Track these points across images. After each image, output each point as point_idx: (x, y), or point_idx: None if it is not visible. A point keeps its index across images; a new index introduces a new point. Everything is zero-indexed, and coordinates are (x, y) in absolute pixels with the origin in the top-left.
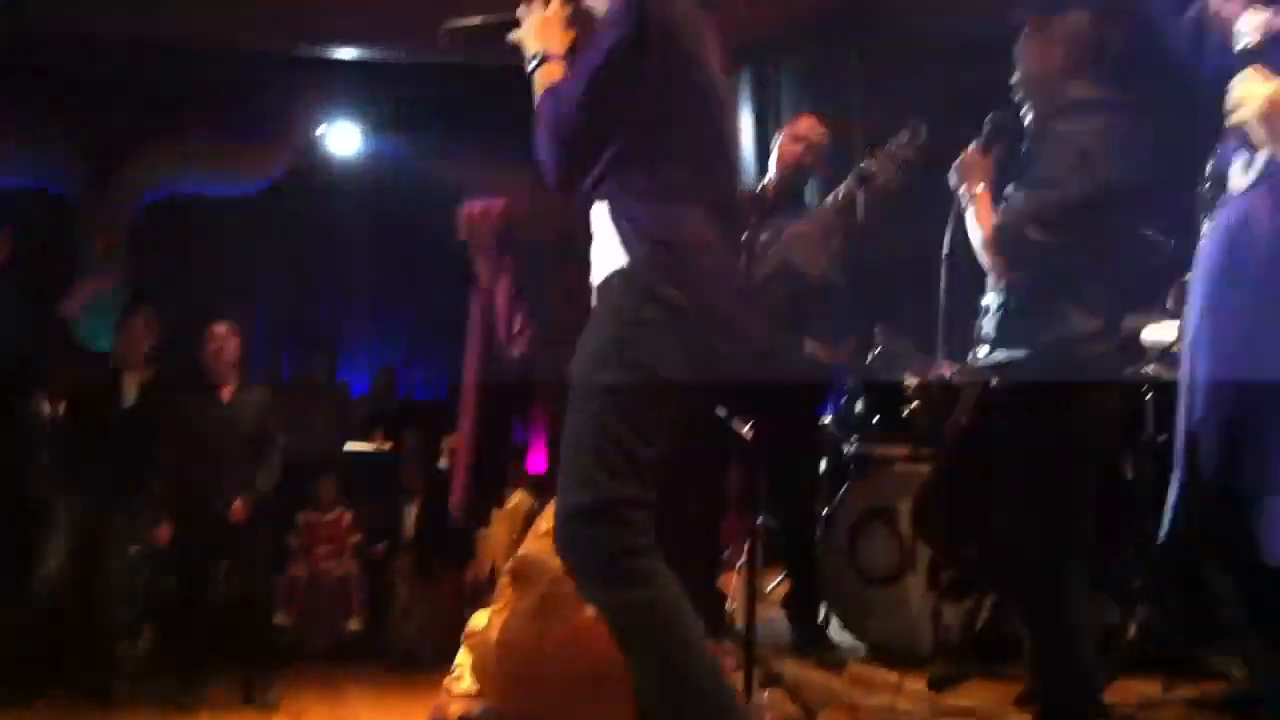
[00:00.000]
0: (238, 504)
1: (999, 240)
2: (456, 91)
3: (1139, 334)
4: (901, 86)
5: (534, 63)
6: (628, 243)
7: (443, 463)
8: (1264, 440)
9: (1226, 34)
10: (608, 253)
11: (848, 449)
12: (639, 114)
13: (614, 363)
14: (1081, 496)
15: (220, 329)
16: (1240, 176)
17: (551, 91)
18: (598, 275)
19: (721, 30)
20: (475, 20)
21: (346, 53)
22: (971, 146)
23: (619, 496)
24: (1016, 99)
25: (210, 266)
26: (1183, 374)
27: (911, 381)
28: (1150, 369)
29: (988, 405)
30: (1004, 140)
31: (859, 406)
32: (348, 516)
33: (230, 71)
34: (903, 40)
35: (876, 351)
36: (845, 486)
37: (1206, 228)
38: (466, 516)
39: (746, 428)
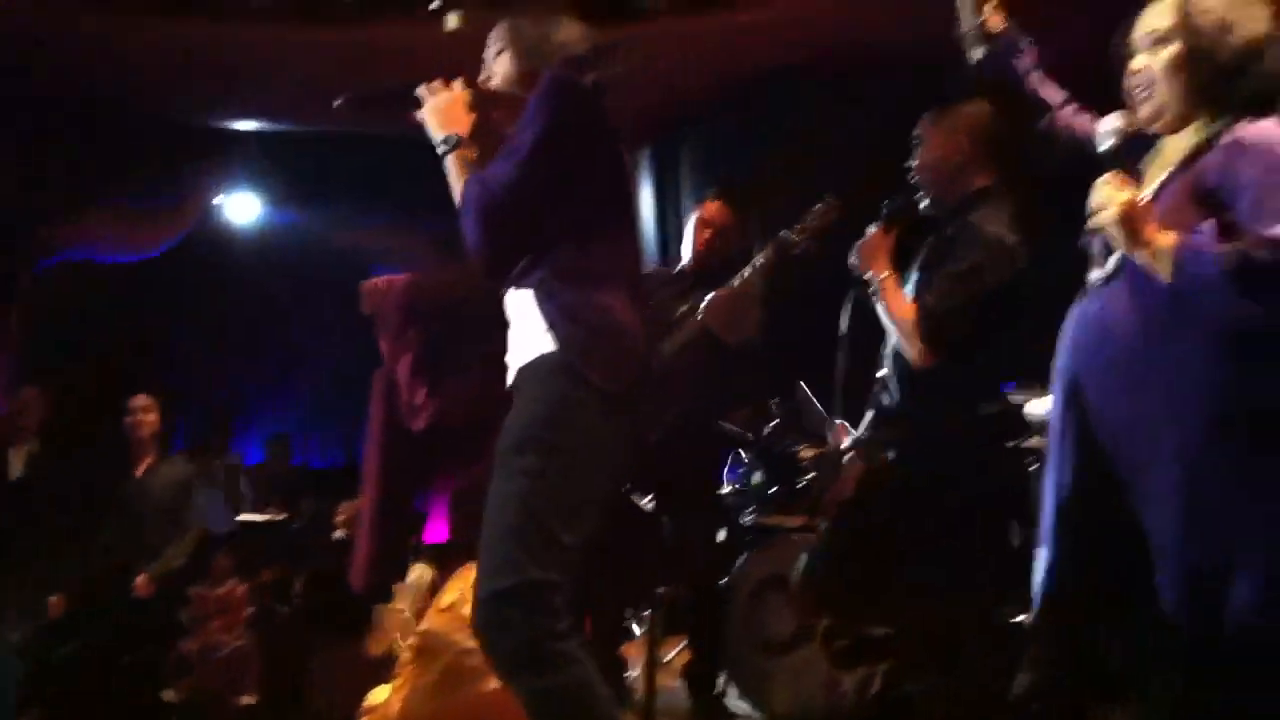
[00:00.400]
0: (141, 579)
1: (924, 328)
2: (356, 163)
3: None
4: (804, 160)
5: (445, 146)
6: (555, 327)
7: (338, 533)
8: (1127, 517)
9: (1077, 141)
10: (533, 336)
11: (746, 518)
12: (565, 200)
13: (540, 446)
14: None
15: (139, 401)
16: (1098, 271)
17: (479, 179)
18: (521, 358)
19: (624, 107)
20: (374, 91)
21: (247, 124)
22: (872, 229)
23: (540, 579)
24: (915, 183)
25: (105, 333)
26: (1047, 456)
27: (808, 453)
28: (1035, 441)
29: (879, 477)
30: (903, 223)
31: (757, 477)
32: (241, 589)
33: (130, 138)
34: (804, 115)
35: (775, 422)
36: (744, 556)
37: (1068, 315)
38: (368, 590)
39: (647, 499)
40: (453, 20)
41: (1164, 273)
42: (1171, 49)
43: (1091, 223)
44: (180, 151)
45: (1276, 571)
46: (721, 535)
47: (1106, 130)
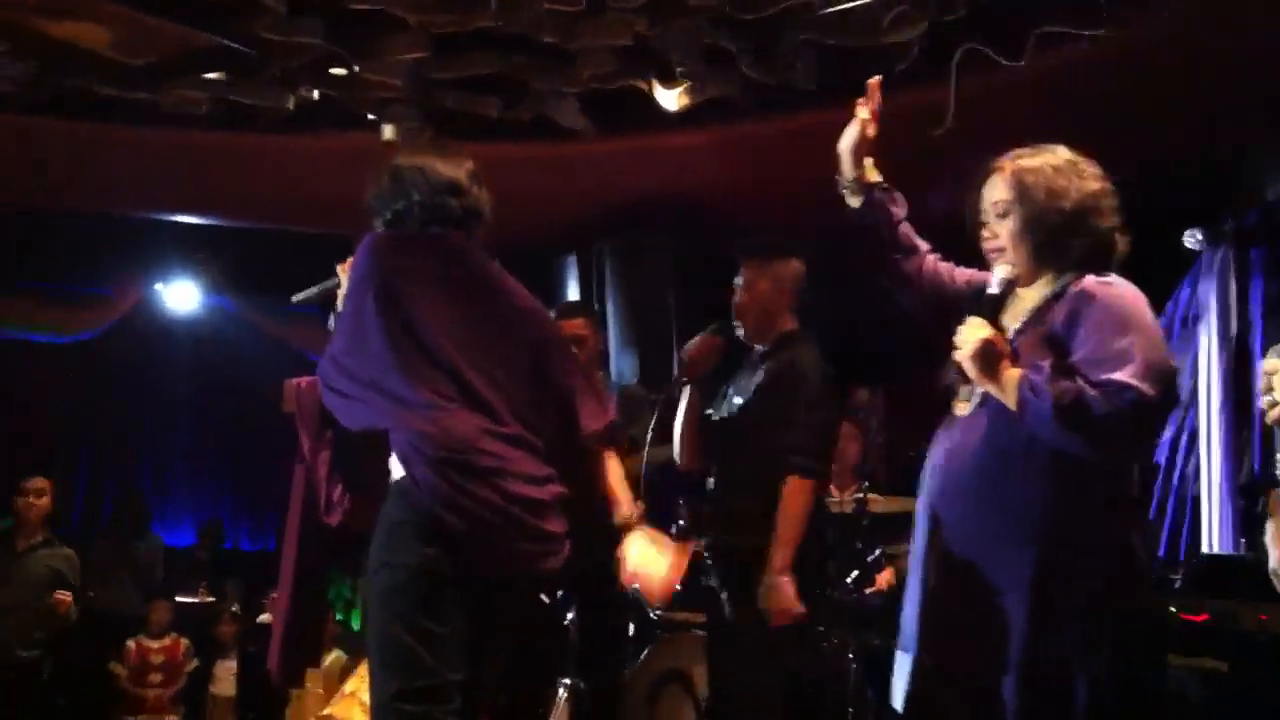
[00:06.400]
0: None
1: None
2: (292, 257)
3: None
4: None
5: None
6: (402, 458)
7: (264, 617)
8: (977, 629)
9: (940, 284)
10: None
11: (653, 613)
12: (391, 349)
13: (384, 566)
14: None
15: (35, 483)
16: (962, 403)
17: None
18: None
19: (545, 217)
20: (315, 289)
21: (187, 217)
22: (701, 336)
23: (412, 687)
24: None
25: (36, 412)
26: (912, 569)
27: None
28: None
29: None
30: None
31: None
32: (183, 643)
33: (66, 227)
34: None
35: (680, 523)
36: (645, 650)
37: (933, 440)
38: (282, 677)
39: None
40: (388, 132)
41: (1010, 403)
42: (1012, 220)
43: (954, 356)
44: (117, 240)
45: (1110, 678)
46: (631, 630)
47: (998, 279)
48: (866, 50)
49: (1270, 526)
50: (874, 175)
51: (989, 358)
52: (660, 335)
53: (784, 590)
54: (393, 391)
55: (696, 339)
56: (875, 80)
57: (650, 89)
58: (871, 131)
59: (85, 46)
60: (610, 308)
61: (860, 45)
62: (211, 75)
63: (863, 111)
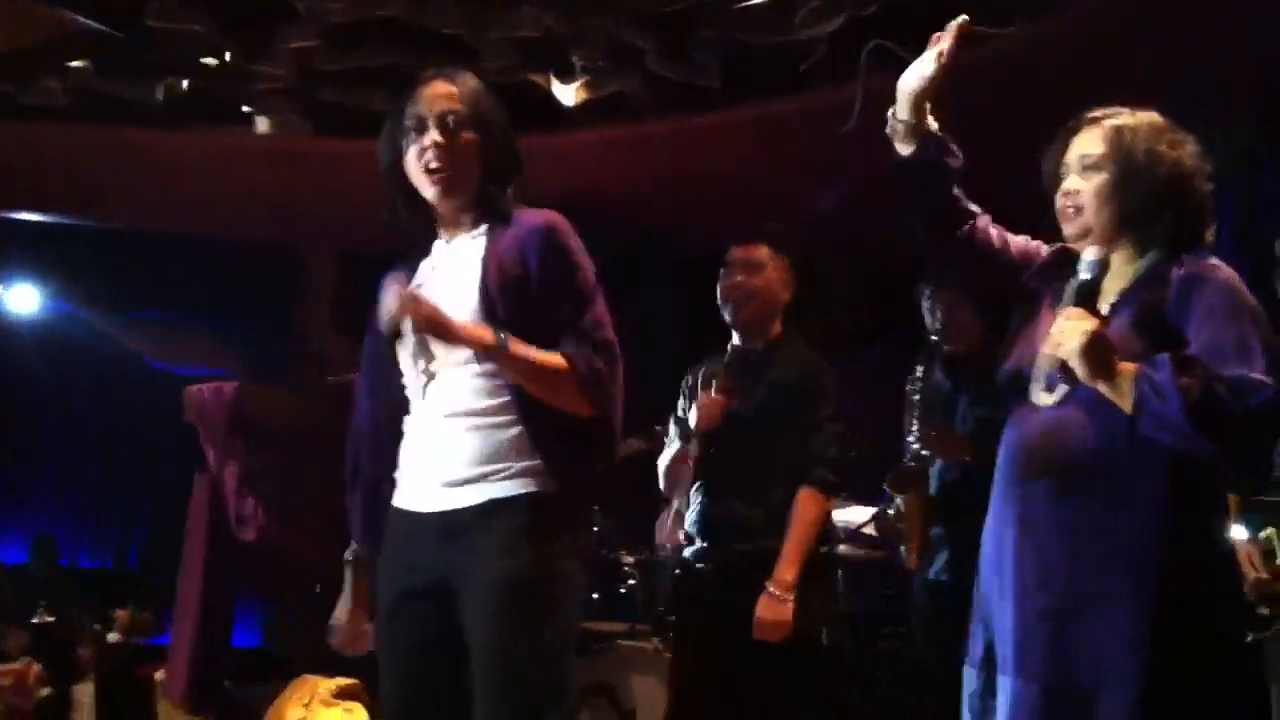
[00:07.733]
0: None
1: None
2: (144, 260)
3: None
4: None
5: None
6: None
7: (112, 635)
8: (1086, 641)
9: (992, 251)
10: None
11: None
12: None
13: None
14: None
15: None
16: (1046, 394)
17: (590, 347)
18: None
19: None
20: None
21: (35, 215)
22: (709, 401)
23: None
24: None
25: None
26: (993, 582)
27: (629, 560)
28: (842, 549)
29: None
30: None
31: None
32: (33, 669)
33: None
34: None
35: (596, 529)
36: None
37: (1007, 433)
38: (190, 705)
39: None
40: (264, 124)
41: (1125, 404)
42: (1101, 176)
43: (1054, 351)
44: None
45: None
46: None
47: (1088, 261)
48: (776, 47)
49: (1240, 544)
50: (932, 124)
51: (1101, 354)
52: None
53: (783, 604)
54: None
55: (704, 408)
56: (961, 21)
57: (549, 84)
58: (942, 74)
59: None
60: None
61: (771, 42)
62: (76, 64)
63: (935, 50)
